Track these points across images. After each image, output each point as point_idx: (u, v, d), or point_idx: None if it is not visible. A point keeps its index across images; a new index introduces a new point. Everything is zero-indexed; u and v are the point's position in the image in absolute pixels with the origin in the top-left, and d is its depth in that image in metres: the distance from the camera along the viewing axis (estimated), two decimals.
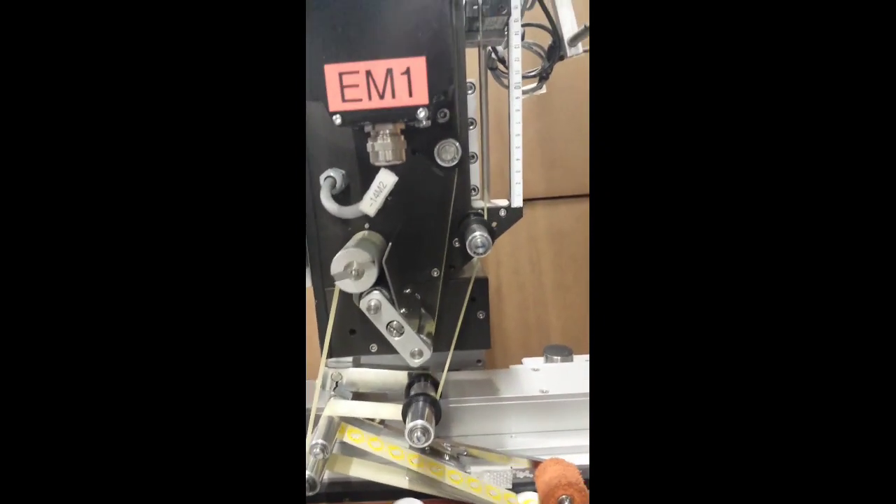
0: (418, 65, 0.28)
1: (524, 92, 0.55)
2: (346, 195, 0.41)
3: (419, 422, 0.39)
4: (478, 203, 0.46)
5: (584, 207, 0.87)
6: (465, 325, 0.45)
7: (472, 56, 0.44)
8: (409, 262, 0.43)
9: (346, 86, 0.29)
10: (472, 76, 0.44)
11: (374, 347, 0.46)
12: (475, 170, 0.46)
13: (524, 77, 0.53)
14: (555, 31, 0.48)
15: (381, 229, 0.42)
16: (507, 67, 0.47)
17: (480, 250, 0.37)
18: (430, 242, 0.44)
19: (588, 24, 0.44)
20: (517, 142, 0.44)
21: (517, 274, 0.88)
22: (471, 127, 0.45)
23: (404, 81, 0.29)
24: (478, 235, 0.37)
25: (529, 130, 0.83)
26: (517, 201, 0.44)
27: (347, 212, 0.36)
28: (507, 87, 0.43)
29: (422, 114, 0.30)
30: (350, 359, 0.51)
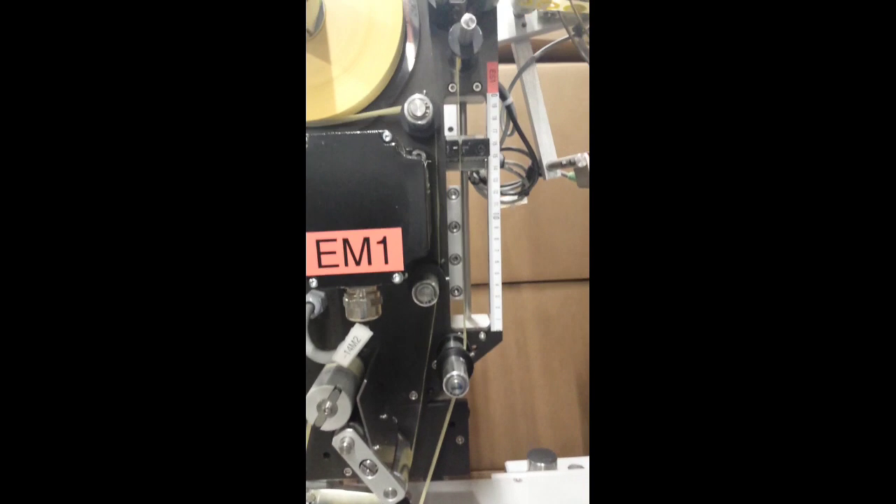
0: (395, 235, 0.29)
1: (505, 203, 0.56)
2: (325, 317, 0.42)
3: None
4: (458, 322, 0.46)
5: (569, 291, 0.87)
6: (443, 450, 0.44)
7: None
8: (386, 384, 0.43)
9: (323, 252, 0.29)
10: (454, 183, 0.45)
11: (348, 472, 0.44)
12: (457, 271, 0.47)
13: (505, 188, 0.55)
14: (534, 158, 0.49)
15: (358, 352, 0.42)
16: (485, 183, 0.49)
17: (457, 391, 0.37)
18: (409, 365, 0.44)
19: (569, 158, 0.46)
20: (496, 267, 0.44)
21: (504, 357, 0.88)
22: (452, 231, 0.46)
23: (380, 250, 0.29)
24: (454, 376, 0.37)
25: (515, 215, 0.85)
26: (497, 325, 0.45)
27: (321, 357, 0.35)
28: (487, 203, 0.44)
29: (397, 279, 0.30)
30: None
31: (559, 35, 0.49)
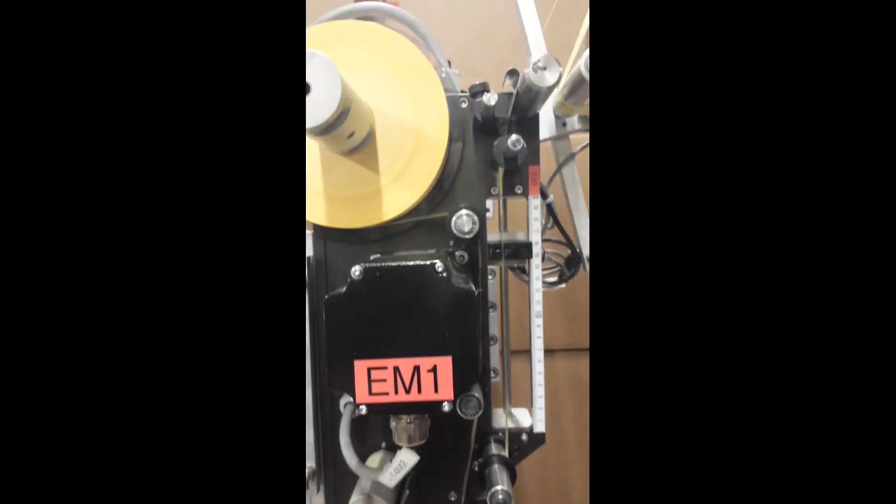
0: (445, 364, 0.29)
1: (546, 284, 0.56)
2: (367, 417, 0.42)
3: None
4: (499, 419, 0.45)
5: None
6: None
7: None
8: (426, 482, 0.42)
9: (374, 380, 0.30)
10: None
11: None
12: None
13: (544, 272, 0.55)
14: (573, 250, 0.49)
15: None
16: (527, 275, 0.49)
17: None
18: (449, 466, 0.43)
19: None
20: (539, 367, 0.44)
21: None
22: (491, 310, 0.46)
23: (430, 378, 0.29)
24: (499, 491, 0.36)
25: None
26: (539, 426, 0.44)
27: (366, 473, 0.35)
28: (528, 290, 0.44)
29: (447, 407, 0.30)
30: None
31: None
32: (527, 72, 0.34)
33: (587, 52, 0.34)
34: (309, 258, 0.42)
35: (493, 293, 0.47)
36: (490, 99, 0.36)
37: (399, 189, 0.40)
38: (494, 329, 0.47)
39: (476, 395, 0.38)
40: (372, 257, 0.40)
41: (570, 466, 0.85)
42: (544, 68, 0.34)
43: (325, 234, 0.41)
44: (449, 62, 0.47)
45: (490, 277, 0.45)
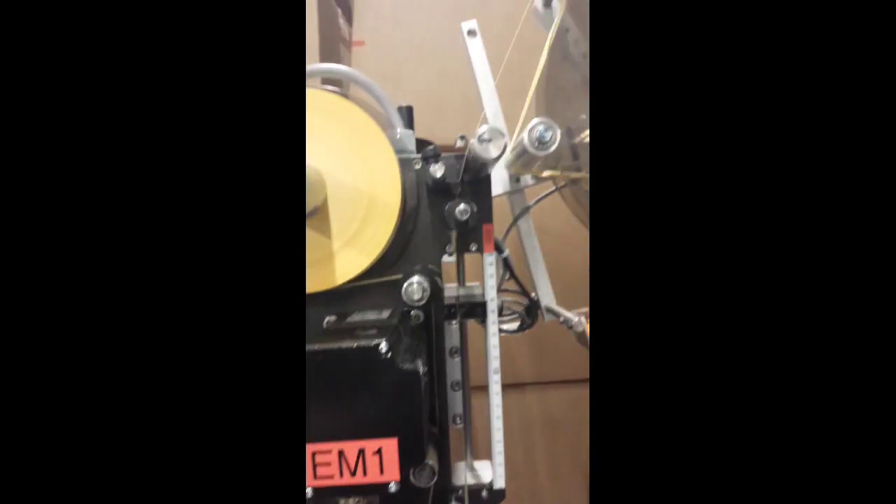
0: (390, 445, 0.29)
1: (505, 332, 0.56)
2: None
3: None
4: (458, 474, 0.45)
5: (576, 393, 0.86)
6: None
7: None
8: None
9: (318, 464, 0.29)
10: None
11: None
12: (457, 398, 0.46)
13: (504, 319, 0.55)
14: (531, 300, 0.50)
15: None
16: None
17: None
18: None
19: (565, 317, 0.47)
20: (497, 423, 0.44)
21: (510, 463, 0.85)
22: (455, 356, 0.45)
23: (376, 460, 0.29)
24: None
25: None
26: (499, 482, 0.44)
27: None
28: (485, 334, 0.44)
29: (393, 487, 0.30)
30: None
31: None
32: (472, 142, 0.35)
33: (532, 124, 0.35)
34: None
35: (455, 338, 0.47)
36: (437, 171, 0.37)
37: (351, 253, 0.40)
38: (457, 374, 0.47)
39: (430, 462, 0.38)
40: (326, 319, 0.40)
41: (545, 501, 0.85)
42: (489, 140, 0.34)
43: None
44: (410, 107, 0.48)
45: (454, 322, 0.45)
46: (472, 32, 0.49)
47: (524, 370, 0.86)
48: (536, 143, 0.33)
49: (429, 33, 0.85)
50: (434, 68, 0.85)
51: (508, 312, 0.55)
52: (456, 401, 0.44)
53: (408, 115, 0.46)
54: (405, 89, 0.85)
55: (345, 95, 0.41)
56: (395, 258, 0.42)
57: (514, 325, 0.56)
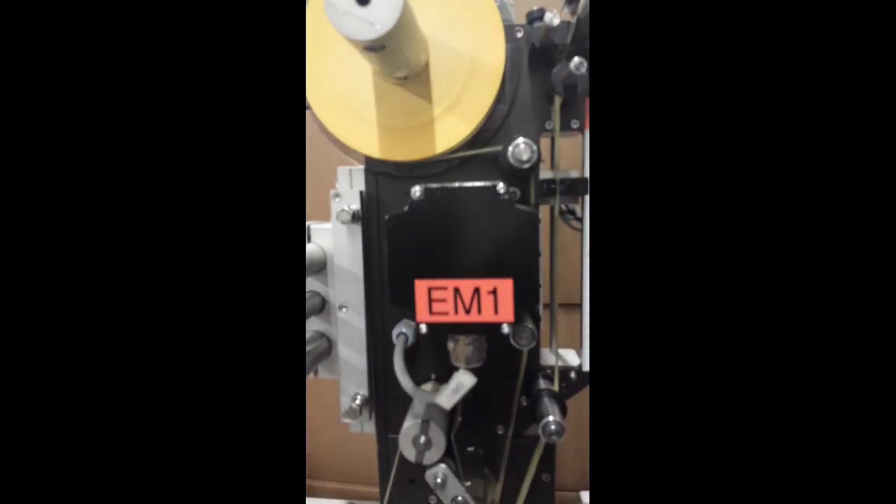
0: (505, 286, 0.29)
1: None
2: (416, 348, 0.42)
3: None
4: (546, 357, 0.45)
5: None
6: (529, 488, 0.44)
7: None
8: (473, 418, 0.43)
9: (434, 300, 0.30)
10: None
11: (433, 500, 0.45)
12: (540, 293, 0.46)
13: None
14: None
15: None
16: (577, 219, 0.48)
17: (555, 437, 0.36)
18: (498, 399, 0.44)
19: None
20: (587, 320, 0.43)
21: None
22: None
23: (490, 300, 0.29)
24: (552, 422, 0.36)
25: None
26: (587, 365, 0.44)
27: (422, 396, 0.36)
28: (577, 229, 0.43)
29: (506, 329, 0.30)
30: None
31: None
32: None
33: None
34: (361, 192, 0.42)
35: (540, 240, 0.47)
36: (552, 19, 0.34)
37: (452, 119, 0.39)
38: (540, 275, 0.46)
39: (529, 325, 0.38)
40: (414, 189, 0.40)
41: None
42: None
43: (376, 169, 0.41)
44: None
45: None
46: None
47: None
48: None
49: None
50: None
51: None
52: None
53: None
54: None
55: None
56: (491, 131, 0.41)
57: None
